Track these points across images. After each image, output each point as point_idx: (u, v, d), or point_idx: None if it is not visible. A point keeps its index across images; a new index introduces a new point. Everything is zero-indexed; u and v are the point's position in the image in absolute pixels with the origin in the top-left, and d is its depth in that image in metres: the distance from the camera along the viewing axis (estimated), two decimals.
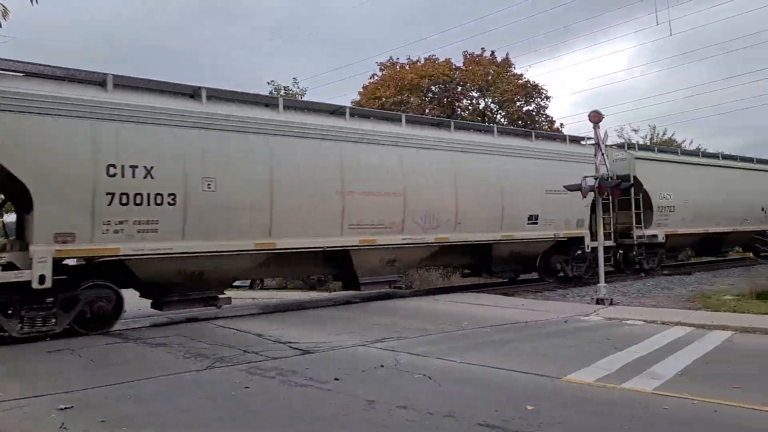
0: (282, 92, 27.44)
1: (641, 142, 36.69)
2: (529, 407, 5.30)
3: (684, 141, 41.56)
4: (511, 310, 11.94)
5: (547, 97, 31.68)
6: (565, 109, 72.69)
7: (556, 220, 16.55)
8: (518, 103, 31.07)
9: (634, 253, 19.42)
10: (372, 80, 31.20)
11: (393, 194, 13.14)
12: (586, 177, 13.66)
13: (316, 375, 6.57)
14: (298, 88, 28.97)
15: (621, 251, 19.34)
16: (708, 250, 25.05)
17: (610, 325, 10.09)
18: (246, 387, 6.11)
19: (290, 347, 8.26)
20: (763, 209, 25.42)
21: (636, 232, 19.08)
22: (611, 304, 12.44)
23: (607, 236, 17.48)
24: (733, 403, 5.37)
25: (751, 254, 26.81)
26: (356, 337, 9.02)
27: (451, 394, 5.80)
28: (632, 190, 18.59)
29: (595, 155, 13.60)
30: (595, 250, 16.88)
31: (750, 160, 25.76)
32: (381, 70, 31.41)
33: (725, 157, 25.10)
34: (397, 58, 31.73)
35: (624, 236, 19.13)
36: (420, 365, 7.04)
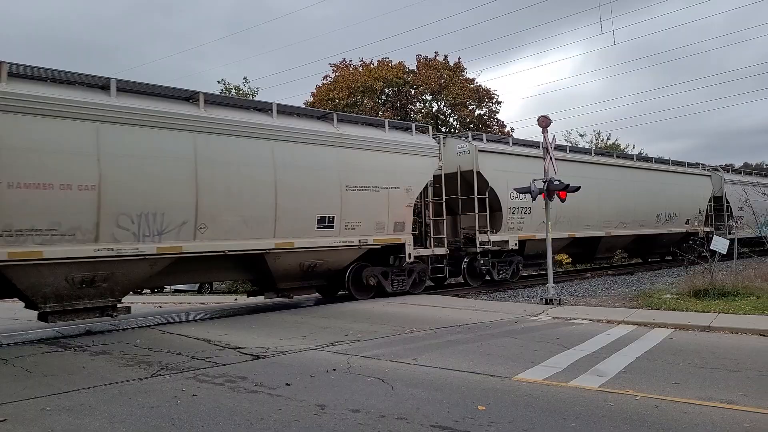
0: (233, 92, 26.94)
1: (587, 146, 37.62)
2: (480, 407, 5.35)
3: (627, 146, 43.17)
4: (463, 311, 12.06)
5: (499, 102, 32.33)
6: (515, 114, 74.47)
7: (364, 223, 13.62)
8: (470, 107, 31.54)
9: (482, 261, 16.93)
10: (325, 82, 31.08)
11: (78, 187, 9.60)
12: (535, 180, 13.93)
13: (266, 380, 6.44)
14: (249, 88, 28.53)
15: (467, 259, 16.93)
16: (582, 257, 22.66)
17: (558, 324, 10.33)
18: (193, 395, 5.93)
19: (240, 352, 8.09)
20: (700, 211, 25.46)
21: (480, 238, 16.52)
22: (559, 303, 12.76)
23: (439, 243, 15.98)
24: (673, 398, 5.58)
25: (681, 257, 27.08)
26: (308, 341, 8.91)
27: (403, 396, 5.79)
28: (475, 188, 16.47)
29: (544, 158, 13.91)
30: (424, 259, 15.48)
31: (632, 159, 24.34)
32: (334, 71, 31.32)
33: (599, 153, 23.11)
34: (350, 60, 31.74)
35: (472, 242, 16.78)
36: (372, 368, 7.01)
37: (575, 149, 22.27)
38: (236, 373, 6.86)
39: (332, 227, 13.05)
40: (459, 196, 16.73)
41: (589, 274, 20.71)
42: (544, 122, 13.87)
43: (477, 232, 16.55)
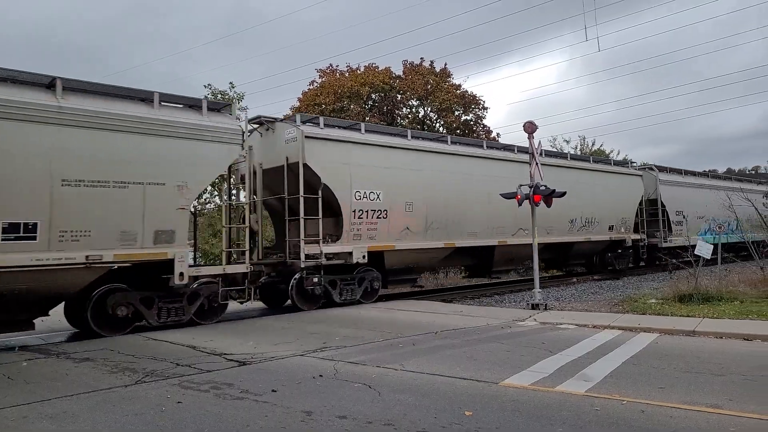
0: (218, 97, 26.79)
1: (572, 152, 37.71)
2: (467, 413, 5.34)
3: (612, 151, 43.55)
4: (449, 316, 12.06)
5: (485, 108, 32.47)
6: (501, 119, 75.02)
7: (95, 232, 9.94)
8: (456, 113, 31.66)
9: (314, 279, 13.24)
10: (311, 87, 31.05)
11: None
12: (521, 185, 13.99)
13: (252, 387, 6.39)
14: (235, 92, 28.38)
15: (297, 276, 13.30)
16: (476, 269, 18.98)
17: (545, 329, 10.37)
18: (178, 402, 5.86)
19: (225, 359, 8.02)
20: (626, 216, 22.20)
21: (306, 249, 13.09)
22: (546, 309, 12.81)
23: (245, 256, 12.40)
24: (658, 402, 5.61)
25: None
26: (294, 346, 8.86)
27: (390, 402, 5.77)
28: (301, 185, 13.22)
29: (530, 164, 13.98)
30: (234, 278, 12.04)
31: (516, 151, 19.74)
32: (320, 77, 31.31)
33: (492, 146, 18.82)
34: (337, 65, 31.76)
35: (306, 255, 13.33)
36: (359, 374, 6.98)
37: (460, 141, 18.22)
38: (222, 379, 6.80)
39: (34, 238, 9.34)
40: (286, 195, 13.56)
41: (575, 279, 20.77)
42: (530, 128, 13.97)
43: (301, 242, 13.11)
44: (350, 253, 13.86)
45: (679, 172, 27.03)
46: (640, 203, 23.69)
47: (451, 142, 17.05)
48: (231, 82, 34.15)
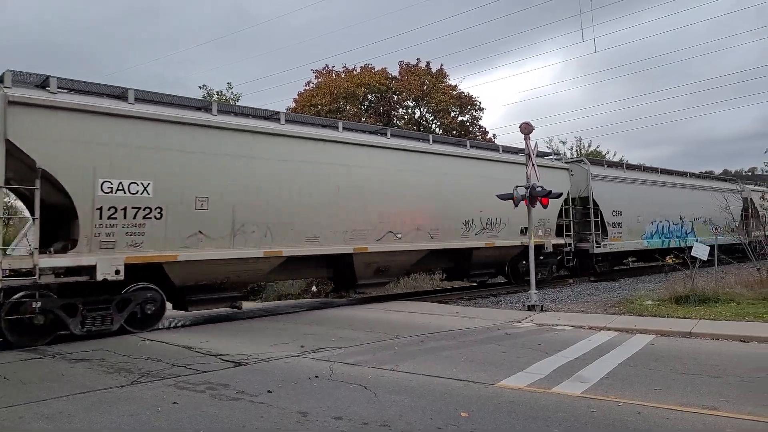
0: (215, 97, 26.79)
1: (568, 154, 37.74)
2: (463, 414, 5.34)
3: (608, 152, 43.68)
4: (445, 317, 12.06)
5: (481, 109, 32.49)
6: (497, 120, 75.18)
7: None
8: (453, 114, 31.67)
9: (34, 305, 9.52)
10: (307, 88, 31.03)
11: None
12: (518, 186, 14.00)
13: (248, 388, 6.38)
14: (232, 93, 28.39)
15: (11, 302, 9.50)
16: (337, 282, 15.44)
17: (541, 330, 10.37)
18: (174, 402, 5.84)
19: (221, 359, 8.00)
20: (543, 218, 18.08)
21: (42, 261, 9.51)
22: (542, 310, 12.81)
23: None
24: (655, 404, 5.61)
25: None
26: (290, 347, 8.84)
27: (386, 403, 5.76)
28: (36, 179, 9.59)
29: (527, 164, 13.99)
30: None
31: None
32: (316, 77, 31.28)
33: (351, 128, 14.92)
34: (333, 66, 31.74)
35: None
36: (355, 375, 6.97)
37: (305, 120, 14.37)
38: (217, 380, 6.78)
39: None
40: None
41: (571, 281, 20.75)
42: (526, 129, 13.99)
43: (34, 255, 9.50)
44: (93, 267, 9.98)
45: (620, 165, 24.02)
46: (567, 202, 19.81)
47: (287, 121, 13.21)
48: (228, 83, 34.13)
